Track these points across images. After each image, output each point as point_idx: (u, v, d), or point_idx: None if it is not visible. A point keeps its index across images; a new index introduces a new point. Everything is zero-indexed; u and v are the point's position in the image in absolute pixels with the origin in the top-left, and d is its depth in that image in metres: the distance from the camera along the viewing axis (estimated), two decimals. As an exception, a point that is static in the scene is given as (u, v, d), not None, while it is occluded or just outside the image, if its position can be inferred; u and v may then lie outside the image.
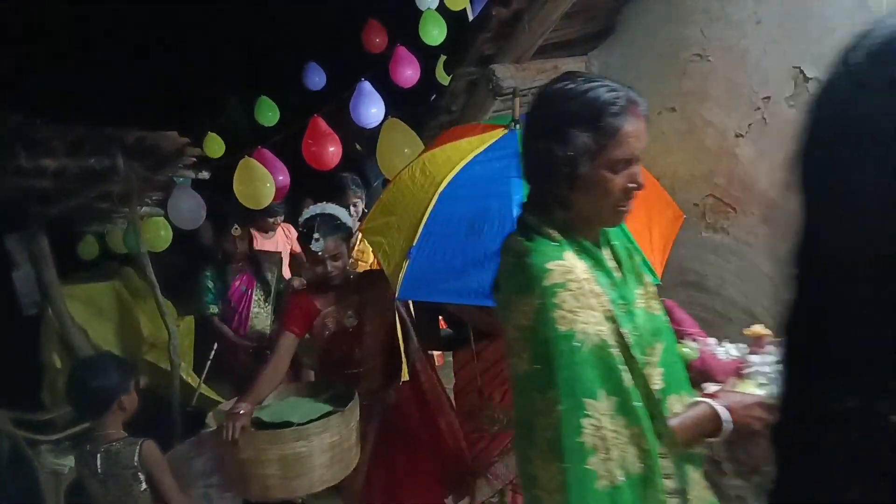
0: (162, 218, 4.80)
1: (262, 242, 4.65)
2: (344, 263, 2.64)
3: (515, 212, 2.10)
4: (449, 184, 2.30)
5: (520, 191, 2.17)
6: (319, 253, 2.51)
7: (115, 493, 2.32)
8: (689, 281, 2.93)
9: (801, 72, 2.36)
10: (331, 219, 2.60)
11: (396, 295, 2.27)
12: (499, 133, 2.47)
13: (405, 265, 2.23)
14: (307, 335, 2.76)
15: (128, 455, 2.30)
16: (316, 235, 2.48)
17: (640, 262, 1.54)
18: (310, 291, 2.77)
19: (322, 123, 4.29)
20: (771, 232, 2.56)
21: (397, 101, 4.81)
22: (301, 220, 2.68)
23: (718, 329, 2.85)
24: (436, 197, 2.28)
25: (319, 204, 2.69)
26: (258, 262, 4.09)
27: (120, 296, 5.19)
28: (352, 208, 4.06)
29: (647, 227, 2.31)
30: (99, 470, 2.32)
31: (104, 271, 5.53)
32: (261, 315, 4.07)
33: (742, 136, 2.60)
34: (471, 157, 2.36)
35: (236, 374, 4.04)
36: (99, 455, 2.33)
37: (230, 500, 2.61)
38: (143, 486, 2.31)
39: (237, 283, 4.04)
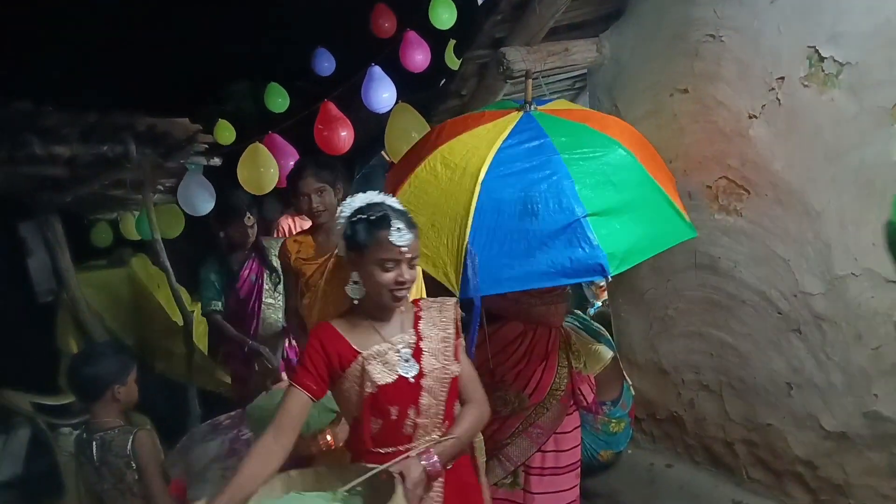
0: (175, 205, 4.82)
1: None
2: (415, 277, 1.83)
3: (567, 188, 2.11)
4: (487, 173, 2.24)
5: (563, 167, 2.17)
6: (405, 248, 1.71)
7: (109, 481, 2.32)
8: (702, 263, 2.92)
9: (817, 51, 2.33)
10: (404, 212, 1.81)
11: (457, 294, 2.14)
12: (515, 116, 2.45)
13: (463, 262, 2.16)
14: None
15: (121, 444, 2.30)
16: (398, 225, 1.71)
17: None
18: (343, 322, 1.83)
19: (333, 108, 4.28)
20: (785, 214, 2.55)
21: (406, 85, 4.78)
22: (350, 210, 1.79)
23: (730, 312, 2.86)
24: (477, 188, 2.22)
25: (369, 193, 1.86)
26: (262, 249, 3.78)
27: (134, 282, 5.24)
28: None
29: (668, 186, 2.37)
30: (94, 457, 2.32)
31: (118, 258, 5.58)
32: (273, 305, 3.78)
33: (755, 117, 2.58)
34: (499, 143, 2.32)
35: (240, 378, 3.78)
36: (94, 442, 2.33)
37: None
38: (137, 475, 2.30)
39: (246, 272, 3.72)
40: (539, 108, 2.49)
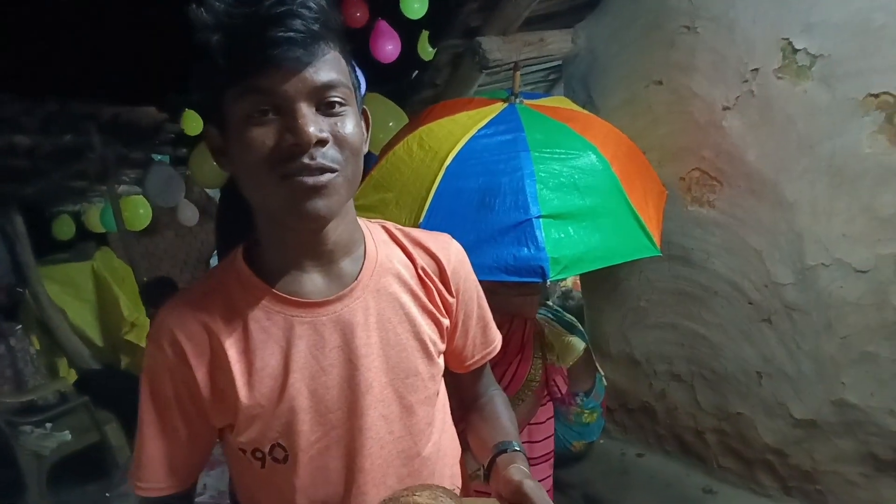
0: (141, 196, 4.72)
1: None
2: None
3: (528, 186, 2.08)
4: (454, 158, 2.24)
5: (529, 165, 2.15)
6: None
7: None
8: (674, 255, 2.94)
9: (790, 43, 2.34)
10: None
11: None
12: (498, 107, 2.43)
13: None
14: None
15: None
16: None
17: None
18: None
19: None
20: (757, 205, 2.57)
21: (376, 77, 4.72)
22: None
23: (703, 303, 2.88)
24: (442, 171, 2.21)
25: None
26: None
27: (98, 276, 5.13)
28: None
29: (645, 200, 2.31)
30: None
31: (82, 251, 5.45)
32: None
33: (729, 108, 2.59)
34: (474, 131, 2.30)
35: None
36: None
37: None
38: None
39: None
40: (527, 101, 2.47)
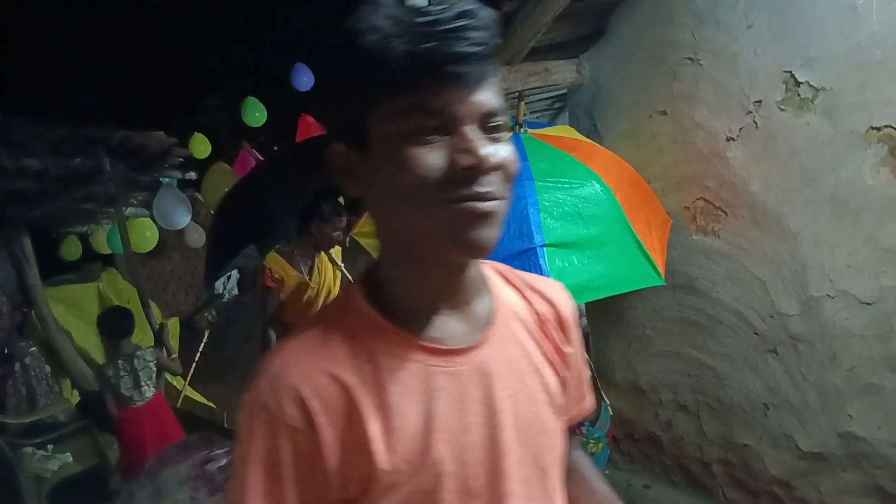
0: (148, 219, 4.75)
1: None
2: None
3: (532, 215, 2.11)
4: None
5: (533, 194, 2.17)
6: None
7: None
8: (680, 284, 2.93)
9: (792, 75, 2.37)
10: None
11: None
12: None
13: None
14: None
15: None
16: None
17: None
18: None
19: (312, 121, 4.26)
20: (761, 235, 2.57)
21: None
22: None
23: (708, 332, 2.87)
24: None
25: None
26: None
27: (104, 297, 5.14)
28: None
29: (649, 229, 2.33)
30: None
31: (87, 273, 5.47)
32: None
33: (733, 139, 2.61)
34: None
35: None
36: None
37: (218, 505, 2.57)
38: None
39: None
40: (531, 131, 2.50)
